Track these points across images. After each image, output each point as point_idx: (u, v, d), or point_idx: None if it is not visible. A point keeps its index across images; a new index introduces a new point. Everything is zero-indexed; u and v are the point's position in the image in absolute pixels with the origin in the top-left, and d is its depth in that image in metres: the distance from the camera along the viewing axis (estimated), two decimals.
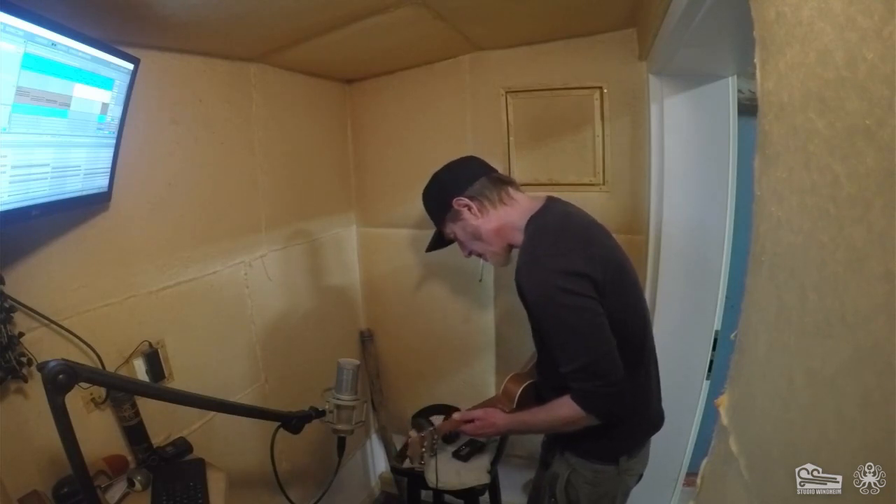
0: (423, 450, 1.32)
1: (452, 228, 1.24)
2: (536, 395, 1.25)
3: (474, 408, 1.40)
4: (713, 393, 1.68)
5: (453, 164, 1.27)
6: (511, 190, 1.19)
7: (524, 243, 1.11)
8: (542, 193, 1.22)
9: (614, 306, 1.03)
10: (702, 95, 1.50)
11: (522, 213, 1.15)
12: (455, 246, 1.31)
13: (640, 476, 1.24)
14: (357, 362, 1.30)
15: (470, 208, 1.18)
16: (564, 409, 1.05)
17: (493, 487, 1.81)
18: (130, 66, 1.02)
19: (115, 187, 1.10)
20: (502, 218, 1.17)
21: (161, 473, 1.18)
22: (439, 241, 1.32)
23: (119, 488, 1.11)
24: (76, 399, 1.09)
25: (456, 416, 1.30)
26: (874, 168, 0.31)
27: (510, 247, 1.21)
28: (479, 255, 1.26)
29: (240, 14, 1.12)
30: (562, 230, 1.08)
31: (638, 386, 1.14)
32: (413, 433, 1.33)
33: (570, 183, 1.74)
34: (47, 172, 0.89)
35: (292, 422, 1.26)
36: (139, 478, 1.13)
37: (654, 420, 1.22)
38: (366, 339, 2.24)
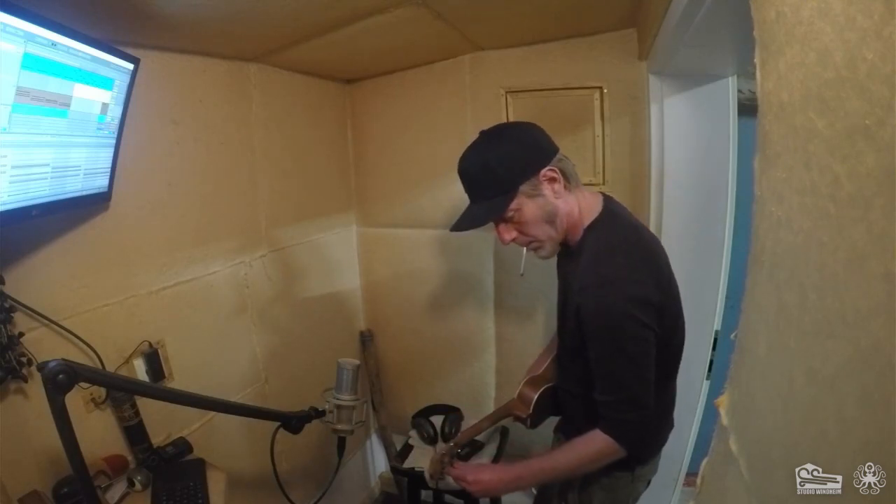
0: (444, 465, 1.32)
1: (524, 204, 0.99)
2: (554, 400, 1.22)
3: (491, 415, 1.38)
4: (713, 393, 1.68)
5: (524, 127, 1.04)
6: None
7: (591, 258, 0.99)
8: (596, 191, 1.11)
9: (667, 326, 0.98)
10: (702, 95, 1.50)
11: (584, 210, 1.03)
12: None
13: (649, 482, 1.24)
14: (357, 362, 1.30)
15: (555, 183, 0.99)
16: (595, 444, 0.99)
17: None
18: (130, 66, 1.02)
19: (115, 187, 1.10)
20: (572, 206, 1.02)
21: (161, 473, 1.18)
22: (476, 220, 1.02)
23: (119, 488, 1.11)
24: (76, 399, 1.09)
25: (453, 473, 1.18)
26: (874, 168, 0.31)
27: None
28: (531, 243, 1.05)
29: (240, 13, 1.12)
30: (633, 249, 0.99)
31: (668, 400, 1.12)
32: (413, 433, 1.32)
33: None
34: (47, 172, 0.89)
35: (292, 422, 1.26)
36: (139, 478, 1.13)
37: (669, 430, 1.21)
38: (366, 340, 2.24)
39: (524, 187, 0.98)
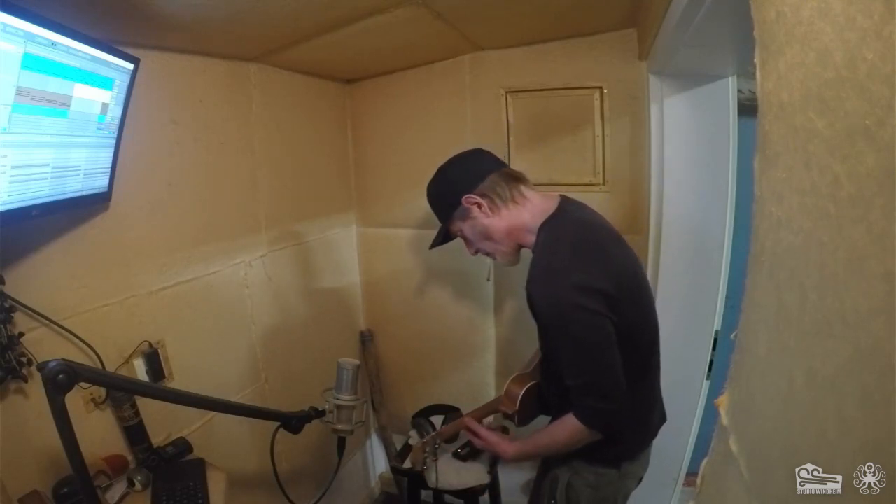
0: (426, 454, 1.32)
1: (460, 226, 1.18)
2: (539, 397, 1.24)
3: (478, 410, 1.39)
4: (713, 393, 1.68)
5: (462, 158, 1.20)
6: (523, 188, 1.14)
7: (538, 251, 1.06)
8: (555, 193, 1.17)
9: (627, 319, 1.00)
10: (702, 95, 1.50)
11: (535, 213, 1.10)
12: (457, 246, 1.29)
13: (640, 480, 1.24)
14: (357, 362, 1.30)
15: (481, 206, 1.12)
16: (567, 429, 1.04)
17: (493, 487, 1.81)
18: (130, 66, 1.02)
19: (115, 187, 1.10)
20: (514, 218, 1.12)
21: (161, 473, 1.18)
22: (445, 238, 1.25)
23: (119, 488, 1.11)
24: (76, 399, 1.09)
25: (468, 422, 1.29)
26: (874, 168, 0.31)
27: (520, 247, 1.17)
28: (487, 255, 1.21)
29: (240, 13, 1.12)
30: (580, 241, 1.04)
31: (643, 395, 1.13)
32: (413, 433, 1.34)
33: (570, 183, 1.74)
34: (47, 172, 0.89)
35: (292, 422, 1.26)
36: (139, 478, 1.13)
37: (657, 425, 1.22)
38: (366, 340, 2.24)
39: (456, 214, 1.16)
